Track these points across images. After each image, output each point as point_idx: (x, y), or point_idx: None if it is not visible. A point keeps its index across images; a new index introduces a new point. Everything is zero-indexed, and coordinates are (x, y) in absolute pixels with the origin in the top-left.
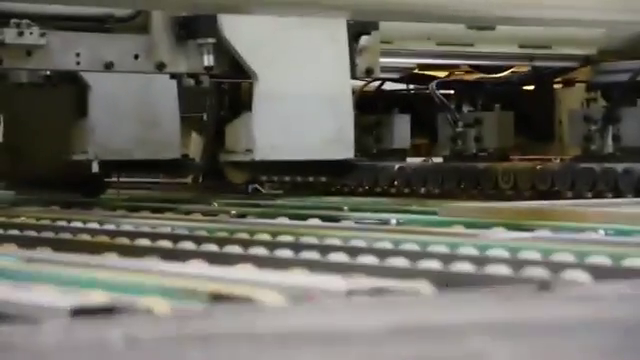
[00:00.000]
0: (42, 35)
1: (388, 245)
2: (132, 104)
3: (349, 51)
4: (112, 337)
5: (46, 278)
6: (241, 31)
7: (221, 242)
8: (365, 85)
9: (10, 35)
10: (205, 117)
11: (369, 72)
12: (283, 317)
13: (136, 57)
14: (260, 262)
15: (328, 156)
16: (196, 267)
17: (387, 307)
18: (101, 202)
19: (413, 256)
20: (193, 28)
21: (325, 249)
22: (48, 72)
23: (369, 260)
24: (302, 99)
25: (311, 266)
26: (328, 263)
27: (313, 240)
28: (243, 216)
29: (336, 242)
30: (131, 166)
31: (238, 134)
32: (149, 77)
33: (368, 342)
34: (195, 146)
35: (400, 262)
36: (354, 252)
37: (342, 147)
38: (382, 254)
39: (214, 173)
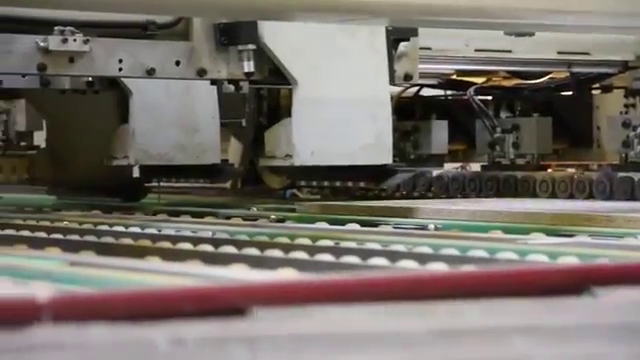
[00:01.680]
0: (85, 42)
1: (428, 250)
2: (173, 109)
3: (388, 57)
4: (157, 338)
5: (91, 281)
6: (281, 37)
7: (262, 246)
8: (403, 91)
9: (54, 42)
10: (244, 123)
11: (407, 78)
12: (327, 319)
13: (177, 63)
14: (301, 266)
15: (367, 161)
16: (238, 271)
17: (429, 310)
18: (142, 207)
19: (453, 260)
20: (234, 35)
21: (365, 253)
22: (90, 78)
23: (409, 264)
24: (341, 105)
25: (352, 270)
26: (369, 266)
27: (353, 244)
28: (282, 221)
29: (376, 246)
30: (171, 171)
31: (278, 139)
32: (190, 83)
33: (410, 345)
34: (234, 152)
35: (440, 267)
36: (394, 256)
37: (381, 152)
38: (422, 258)
39: (252, 178)
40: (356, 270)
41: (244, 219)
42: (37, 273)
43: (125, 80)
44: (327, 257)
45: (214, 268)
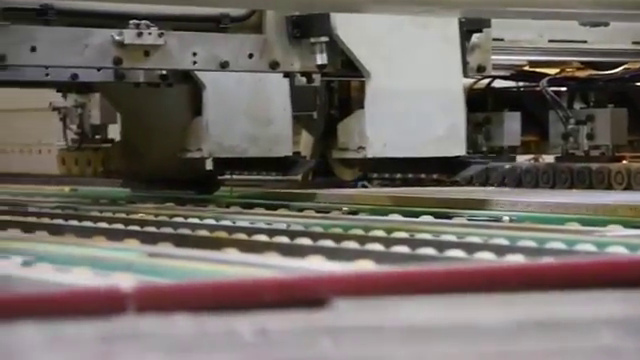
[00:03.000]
0: (160, 35)
1: (504, 242)
2: (246, 102)
3: (461, 49)
4: (242, 328)
5: (170, 272)
6: (354, 29)
7: (337, 238)
8: (475, 83)
9: (129, 36)
10: (315, 116)
11: (480, 70)
12: (408, 310)
13: (250, 56)
14: (377, 258)
15: (440, 153)
16: (315, 262)
17: (511, 302)
18: (215, 199)
19: (531, 252)
20: (306, 27)
21: (441, 245)
22: (164, 71)
23: (486, 256)
24: (414, 97)
25: (429, 261)
26: (445, 258)
27: (428, 236)
28: (355, 213)
29: (451, 238)
30: (243, 163)
31: (350, 131)
32: (262, 75)
33: (491, 338)
34: (305, 144)
35: (518, 259)
36: (470, 248)
37: (454, 144)
38: (499, 250)
39: (323, 170)
40: (433, 262)
41: (317, 211)
42: (117, 264)
43: (198, 73)
44: (403, 249)
45: (291, 259)
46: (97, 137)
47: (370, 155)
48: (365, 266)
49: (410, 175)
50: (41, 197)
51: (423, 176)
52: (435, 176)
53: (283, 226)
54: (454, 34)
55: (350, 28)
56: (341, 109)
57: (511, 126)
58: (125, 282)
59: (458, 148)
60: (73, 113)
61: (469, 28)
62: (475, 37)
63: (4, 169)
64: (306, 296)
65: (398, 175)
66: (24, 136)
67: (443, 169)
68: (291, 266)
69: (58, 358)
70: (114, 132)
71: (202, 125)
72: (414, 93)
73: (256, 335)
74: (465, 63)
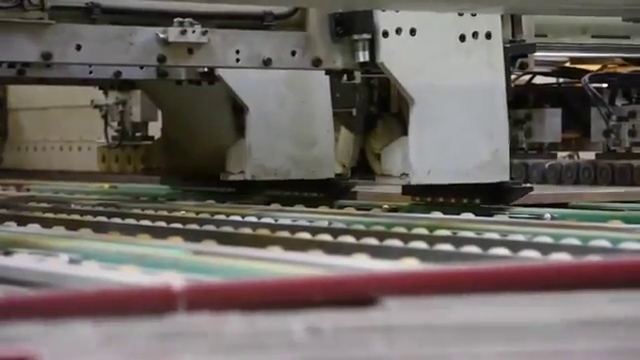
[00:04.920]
0: (204, 33)
1: (548, 240)
2: (288, 124)
3: (505, 74)
4: (294, 327)
5: (217, 270)
6: (398, 57)
7: (380, 236)
8: (515, 79)
9: (173, 34)
10: (355, 112)
11: (523, 66)
12: (461, 310)
13: (293, 53)
14: (422, 256)
15: (484, 179)
16: (360, 261)
17: (565, 301)
18: (254, 196)
19: (576, 250)
20: (349, 24)
21: (485, 243)
22: (206, 69)
23: (531, 254)
24: (458, 123)
25: (473, 260)
26: (490, 256)
27: (471, 234)
28: (395, 210)
29: (494, 236)
30: (286, 183)
31: (394, 158)
32: (305, 97)
33: (547, 337)
34: (344, 141)
35: (563, 257)
36: (515, 246)
37: (498, 170)
38: (544, 248)
39: (362, 167)
40: (478, 260)
41: (357, 208)
42: (163, 262)
43: (241, 96)
44: (447, 247)
45: (336, 257)
46: (137, 134)
47: (414, 182)
48: (410, 264)
49: (452, 200)
50: (82, 194)
51: (465, 201)
52: (478, 201)
53: (325, 224)
54: (499, 60)
55: (394, 55)
56: (380, 106)
57: (552, 123)
58: (175, 281)
59: (501, 174)
60: (114, 110)
61: (514, 54)
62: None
63: (44, 166)
64: (356, 295)
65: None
66: (64, 133)
67: (487, 195)
68: (336, 264)
69: (114, 356)
70: (154, 129)
71: (245, 147)
72: (458, 119)
73: (309, 334)
74: (509, 88)
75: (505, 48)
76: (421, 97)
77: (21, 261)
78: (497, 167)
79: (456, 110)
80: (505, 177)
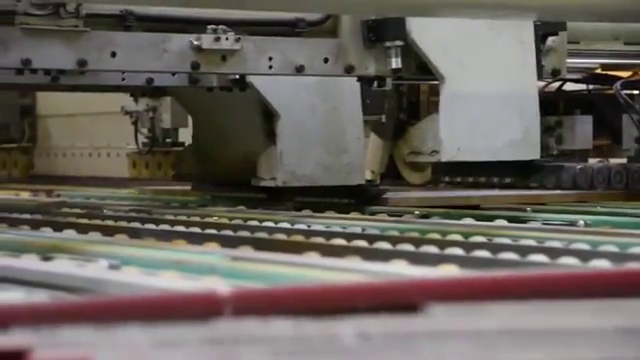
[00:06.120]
0: (237, 40)
1: (585, 247)
2: (319, 131)
3: (536, 53)
4: (342, 332)
5: (256, 276)
6: (429, 33)
7: (415, 242)
8: (545, 86)
9: (207, 41)
10: (384, 119)
11: (555, 73)
12: (510, 316)
13: (326, 60)
14: (460, 262)
15: (514, 157)
16: (399, 267)
17: (610, 308)
18: (285, 202)
19: (615, 258)
20: (381, 31)
21: (522, 250)
22: (237, 76)
23: (570, 261)
24: (489, 100)
25: (512, 266)
26: (528, 263)
27: (507, 241)
28: (426, 217)
29: (531, 243)
30: (316, 189)
31: (424, 135)
32: (336, 104)
33: (593, 343)
34: (373, 147)
35: (603, 264)
36: (553, 253)
37: (528, 148)
38: (582, 256)
39: (391, 174)
40: (516, 267)
41: (389, 215)
42: (202, 267)
43: (273, 102)
44: (484, 253)
45: (374, 264)
46: (167, 141)
47: (444, 159)
48: (449, 270)
49: (482, 179)
50: (113, 200)
51: (495, 180)
52: (508, 180)
53: (358, 230)
54: (529, 37)
55: (425, 32)
56: (410, 113)
57: (583, 129)
58: (219, 286)
59: (532, 152)
60: (144, 117)
61: (544, 31)
62: (550, 40)
63: (73, 172)
64: (402, 301)
65: (470, 179)
66: (94, 139)
67: (517, 173)
68: (376, 270)
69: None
70: (184, 136)
71: (276, 154)
72: (488, 97)
73: (358, 340)
74: (540, 66)
75: (535, 26)
76: (451, 74)
77: (61, 266)
78: (528, 145)
79: (486, 88)
80: (536, 155)
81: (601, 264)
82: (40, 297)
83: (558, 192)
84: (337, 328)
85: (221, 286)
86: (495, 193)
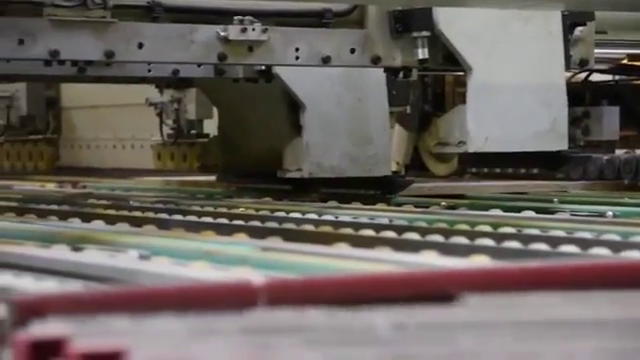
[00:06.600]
0: (264, 31)
1: (616, 237)
2: (345, 122)
3: (564, 42)
4: (377, 322)
5: (288, 267)
6: (456, 24)
7: (445, 233)
8: (572, 77)
9: (234, 32)
10: (409, 110)
11: (583, 63)
12: (547, 306)
13: (352, 51)
14: (491, 253)
15: (542, 148)
16: (431, 257)
17: None
18: (309, 193)
19: None
20: (408, 21)
21: (552, 240)
22: (263, 67)
23: (602, 252)
24: (516, 91)
25: (543, 257)
26: (560, 254)
27: (536, 232)
28: (453, 207)
29: (561, 234)
30: (340, 180)
31: (451, 126)
32: (361, 95)
33: (629, 334)
34: (398, 138)
35: (635, 255)
36: (583, 244)
37: (556, 139)
38: (614, 247)
39: (416, 166)
40: (548, 258)
41: (415, 206)
42: (232, 258)
43: (298, 93)
44: (514, 244)
45: (405, 254)
46: (192, 132)
47: (472, 150)
48: (481, 261)
49: (509, 170)
50: (138, 192)
51: (523, 171)
52: (535, 171)
53: (386, 221)
54: (557, 28)
55: (452, 22)
56: (435, 104)
57: (610, 120)
58: (253, 276)
59: (560, 142)
60: (169, 108)
61: (572, 21)
62: (578, 30)
63: (97, 164)
64: (436, 291)
65: (497, 170)
66: (117, 131)
67: (544, 164)
68: (407, 261)
69: (203, 350)
70: (209, 127)
71: (302, 145)
72: (516, 87)
73: (394, 330)
74: (568, 57)
75: (563, 16)
76: (479, 65)
77: (92, 257)
78: (555, 136)
79: (514, 78)
80: (563, 146)
81: (633, 255)
82: (74, 287)
83: (540, 182)
84: (372, 318)
85: (254, 276)
86: (483, 184)
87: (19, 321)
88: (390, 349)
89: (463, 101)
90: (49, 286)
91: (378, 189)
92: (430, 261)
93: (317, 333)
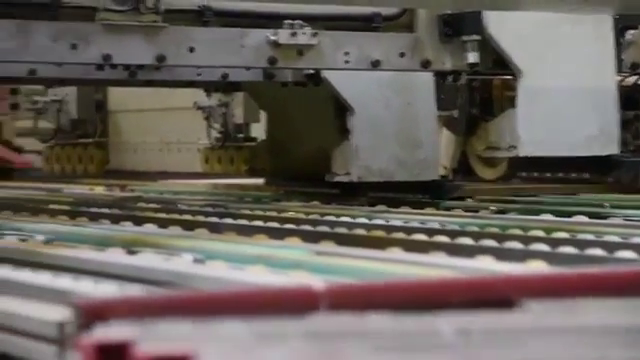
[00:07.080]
0: (314, 35)
1: None
2: (394, 126)
3: (615, 45)
4: (442, 328)
5: (343, 271)
6: (506, 28)
7: (498, 238)
8: (622, 80)
9: (284, 36)
10: (456, 114)
11: (635, 67)
12: (609, 312)
13: (402, 55)
14: (548, 258)
15: (593, 152)
16: (487, 262)
17: None
18: (358, 197)
19: None
20: (458, 25)
21: (608, 246)
22: (311, 71)
23: None
24: (567, 95)
25: (600, 263)
26: (617, 259)
27: (591, 237)
28: (503, 212)
29: (616, 239)
30: (388, 185)
31: (501, 130)
32: (410, 99)
33: None
34: (446, 142)
35: None
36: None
37: (607, 143)
38: None
39: (464, 170)
40: (605, 263)
41: (464, 210)
42: (287, 262)
43: (347, 97)
44: (570, 250)
45: (460, 259)
46: (239, 136)
47: (522, 154)
48: (539, 267)
49: (560, 174)
50: (187, 195)
51: (574, 175)
52: (586, 175)
53: (437, 225)
54: (608, 31)
55: (502, 26)
56: (482, 108)
57: None
58: (312, 281)
59: (611, 146)
60: (217, 112)
61: (623, 24)
62: (630, 34)
63: (144, 167)
64: (498, 296)
65: (548, 174)
66: (164, 135)
67: (595, 168)
68: (462, 266)
69: (270, 355)
70: (256, 131)
71: (351, 149)
72: (566, 91)
73: (459, 335)
74: (619, 60)
75: (615, 19)
76: (529, 69)
77: (147, 260)
78: (606, 140)
79: (564, 82)
80: (614, 150)
81: None
82: (133, 290)
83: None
84: (436, 324)
85: (312, 281)
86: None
87: (84, 325)
88: (457, 355)
89: (511, 105)
90: (109, 289)
91: (426, 193)
92: (486, 266)
93: (382, 338)
